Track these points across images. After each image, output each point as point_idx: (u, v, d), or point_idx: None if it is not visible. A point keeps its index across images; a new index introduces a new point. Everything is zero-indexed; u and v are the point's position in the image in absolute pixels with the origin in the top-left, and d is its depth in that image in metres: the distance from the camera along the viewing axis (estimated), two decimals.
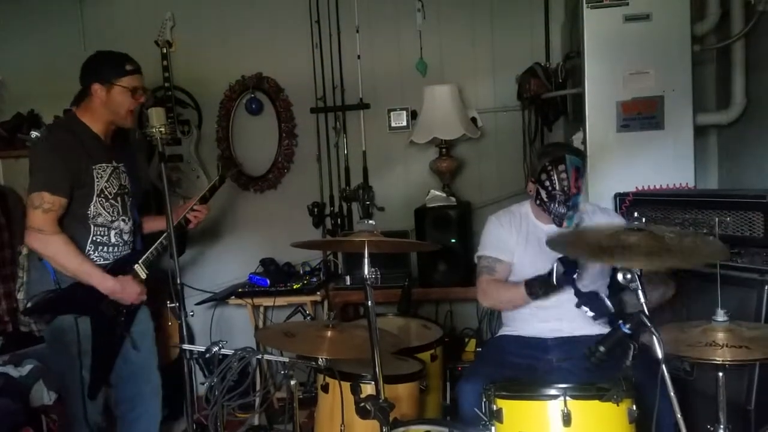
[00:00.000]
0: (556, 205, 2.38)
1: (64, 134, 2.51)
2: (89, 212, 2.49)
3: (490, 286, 2.50)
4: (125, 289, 2.51)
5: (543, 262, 2.43)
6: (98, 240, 2.52)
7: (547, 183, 2.39)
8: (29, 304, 2.54)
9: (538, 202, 2.46)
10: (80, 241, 2.48)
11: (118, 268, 2.55)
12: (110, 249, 2.56)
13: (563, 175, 2.36)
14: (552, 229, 2.49)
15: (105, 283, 2.48)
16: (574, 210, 2.39)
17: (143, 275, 2.60)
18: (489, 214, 2.67)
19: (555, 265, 2.24)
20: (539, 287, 2.31)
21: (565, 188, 2.36)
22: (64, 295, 2.46)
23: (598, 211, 2.56)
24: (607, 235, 1.74)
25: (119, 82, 2.50)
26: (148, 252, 2.63)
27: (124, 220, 2.59)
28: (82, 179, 2.45)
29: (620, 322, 1.70)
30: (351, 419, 2.07)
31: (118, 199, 2.57)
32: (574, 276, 2.24)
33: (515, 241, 2.52)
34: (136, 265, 2.59)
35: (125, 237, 2.61)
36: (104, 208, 2.52)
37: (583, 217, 2.50)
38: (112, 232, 2.56)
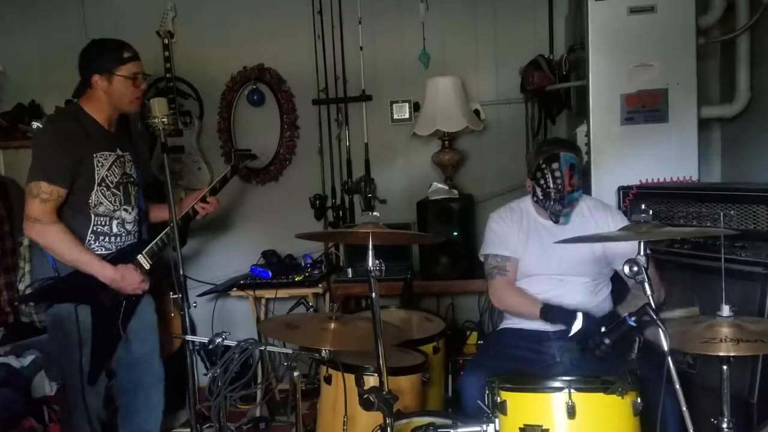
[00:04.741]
0: (552, 203, 2.43)
1: (66, 123, 2.50)
2: (90, 201, 2.48)
3: (505, 291, 2.52)
4: (125, 278, 2.50)
5: (545, 257, 2.45)
6: (99, 230, 2.51)
7: (542, 181, 2.44)
8: (26, 291, 2.54)
9: (535, 199, 2.51)
10: (80, 231, 2.47)
11: (121, 258, 2.54)
12: (112, 239, 2.54)
13: (557, 173, 2.40)
14: (554, 225, 2.49)
15: (104, 272, 2.47)
16: (571, 207, 2.45)
17: (147, 266, 2.59)
18: (491, 207, 2.67)
19: (579, 318, 2.26)
20: (554, 319, 2.35)
21: (560, 186, 2.40)
22: (63, 283, 2.45)
23: (601, 208, 2.56)
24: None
25: (119, 72, 2.49)
26: (153, 243, 2.62)
27: (126, 210, 2.58)
28: (83, 168, 2.44)
29: (626, 315, 1.70)
30: (354, 411, 2.07)
31: (121, 188, 2.56)
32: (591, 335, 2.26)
33: (517, 237, 2.53)
34: (140, 256, 2.58)
35: (128, 227, 2.59)
36: (105, 197, 2.51)
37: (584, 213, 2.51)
38: (114, 222, 2.54)
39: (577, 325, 2.26)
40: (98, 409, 2.56)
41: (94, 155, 2.47)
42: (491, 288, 2.57)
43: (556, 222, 2.47)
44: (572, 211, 2.48)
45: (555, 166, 2.41)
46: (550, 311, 2.36)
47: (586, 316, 2.28)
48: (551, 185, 2.41)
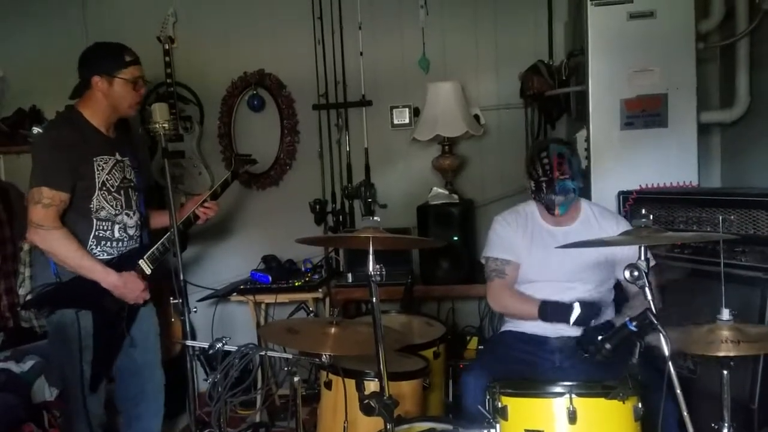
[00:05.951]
0: (544, 193, 2.42)
1: (64, 128, 2.49)
2: (92, 206, 2.47)
3: (503, 293, 2.52)
4: (127, 285, 2.50)
5: (548, 262, 2.45)
6: (101, 235, 2.50)
7: (534, 173, 2.44)
8: (28, 297, 2.53)
9: (533, 197, 2.49)
10: (83, 236, 2.46)
11: (123, 263, 2.53)
12: (114, 244, 2.54)
13: (545, 161, 2.41)
14: (557, 230, 2.49)
15: (107, 278, 2.46)
16: (565, 195, 2.41)
17: (148, 270, 2.59)
18: (491, 211, 2.67)
19: (575, 307, 2.27)
20: (552, 316, 2.34)
21: (548, 172, 2.39)
22: (64, 289, 2.45)
23: (607, 215, 2.56)
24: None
25: (120, 75, 2.49)
26: (154, 248, 2.61)
27: (128, 214, 2.57)
28: (83, 172, 2.44)
29: (627, 319, 1.70)
30: (354, 416, 2.07)
31: (122, 192, 2.55)
32: (592, 321, 2.27)
33: (521, 240, 2.52)
34: (141, 261, 2.58)
35: (130, 231, 2.59)
36: (107, 202, 2.50)
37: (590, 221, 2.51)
38: (116, 227, 2.54)
39: (575, 312, 2.27)
40: (99, 414, 2.55)
41: (94, 159, 2.47)
42: (489, 290, 2.57)
43: (552, 213, 2.44)
44: (569, 204, 2.44)
45: (543, 155, 2.42)
46: (548, 309, 2.36)
47: (584, 304, 2.29)
48: (540, 173, 2.41)
